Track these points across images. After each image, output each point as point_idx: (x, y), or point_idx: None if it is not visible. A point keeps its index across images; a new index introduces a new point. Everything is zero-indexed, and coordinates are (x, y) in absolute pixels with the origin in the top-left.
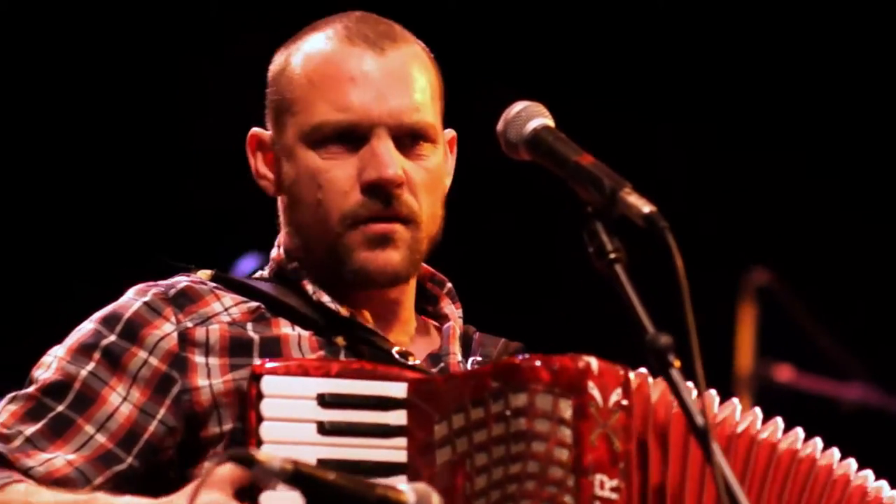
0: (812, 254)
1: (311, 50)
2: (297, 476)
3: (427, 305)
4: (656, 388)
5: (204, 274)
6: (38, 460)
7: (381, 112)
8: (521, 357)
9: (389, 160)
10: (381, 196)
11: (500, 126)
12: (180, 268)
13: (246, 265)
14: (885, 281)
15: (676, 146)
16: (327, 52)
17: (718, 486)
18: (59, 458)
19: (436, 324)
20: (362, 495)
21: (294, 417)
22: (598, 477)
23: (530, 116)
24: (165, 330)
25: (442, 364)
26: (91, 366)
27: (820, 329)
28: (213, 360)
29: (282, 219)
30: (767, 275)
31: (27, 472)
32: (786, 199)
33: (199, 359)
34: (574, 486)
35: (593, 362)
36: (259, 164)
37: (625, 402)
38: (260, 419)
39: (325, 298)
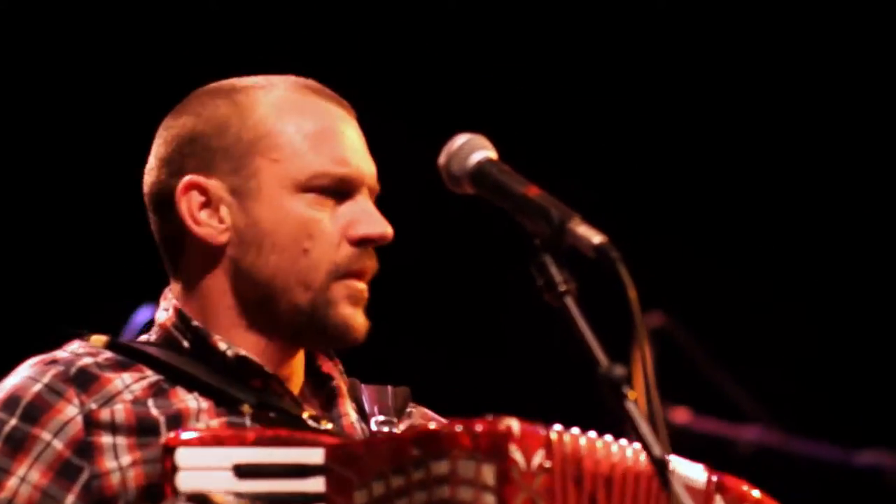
0: (706, 296)
1: (283, 98)
2: None
3: (310, 361)
4: (578, 443)
5: (98, 341)
6: None
7: (367, 172)
8: (442, 423)
9: (383, 219)
10: (368, 252)
11: (442, 159)
12: (73, 334)
13: (142, 316)
14: (781, 321)
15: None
16: (311, 105)
17: None
18: None
19: (320, 385)
20: None
21: (211, 490)
22: None
23: (473, 149)
24: (69, 414)
25: (336, 427)
26: None
27: (716, 371)
28: (121, 440)
29: (215, 268)
30: (662, 317)
31: None
32: (676, 239)
33: (106, 439)
34: None
35: (514, 424)
36: (196, 212)
37: (547, 464)
38: (176, 493)
39: (244, 353)
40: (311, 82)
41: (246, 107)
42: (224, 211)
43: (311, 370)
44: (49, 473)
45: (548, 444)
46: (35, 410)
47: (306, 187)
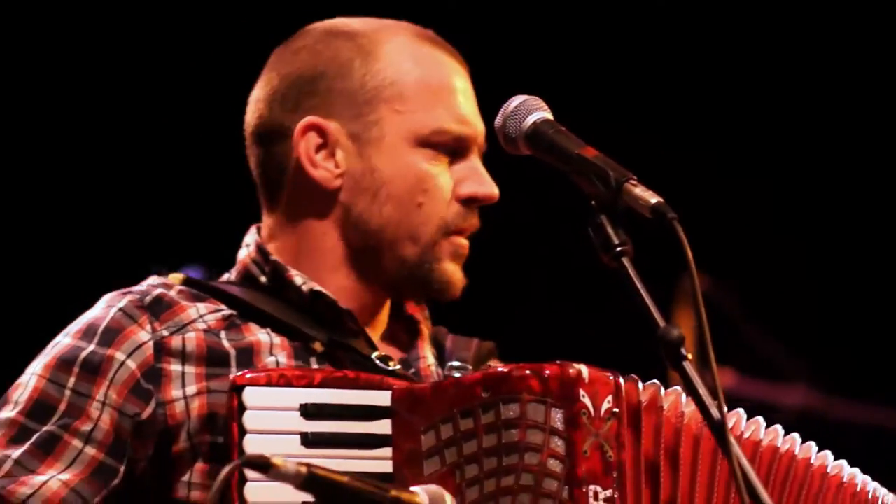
0: (749, 258)
1: (407, 47)
2: (311, 480)
3: (401, 307)
4: (646, 393)
5: (175, 278)
6: (32, 485)
7: (479, 132)
8: (511, 366)
9: (491, 179)
10: (473, 211)
11: (498, 121)
12: (153, 271)
13: None
14: (823, 283)
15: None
16: (433, 58)
17: (737, 479)
18: (54, 480)
19: (403, 327)
20: (376, 498)
21: (277, 429)
22: (593, 487)
23: (529, 110)
24: (142, 338)
25: (413, 369)
26: (71, 381)
27: (759, 333)
28: (190, 369)
29: (323, 210)
30: (707, 281)
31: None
32: (719, 203)
33: (175, 367)
34: (568, 497)
35: (584, 370)
36: (314, 154)
37: (616, 410)
38: (243, 431)
39: (319, 288)
40: (429, 32)
41: (370, 52)
42: (340, 155)
43: (398, 312)
44: (124, 392)
45: (617, 391)
46: (110, 333)
47: (427, 142)
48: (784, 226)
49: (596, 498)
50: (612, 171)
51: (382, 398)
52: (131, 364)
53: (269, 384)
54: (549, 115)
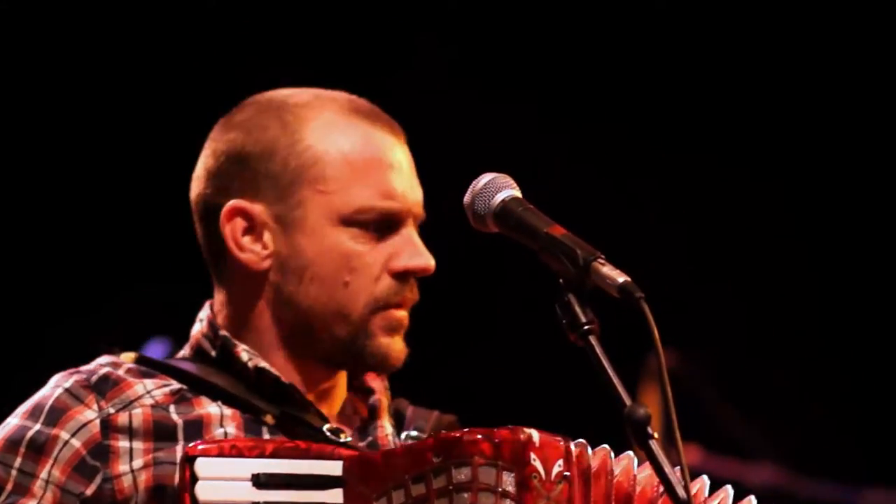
0: (717, 333)
1: (332, 123)
2: None
3: (353, 380)
4: (596, 458)
5: (127, 357)
6: None
7: (413, 202)
8: (461, 431)
9: (426, 250)
10: (409, 284)
11: (466, 199)
12: (104, 350)
13: (152, 351)
14: (791, 360)
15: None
16: (360, 133)
17: None
18: None
19: (363, 398)
20: None
21: (229, 500)
22: None
23: (498, 188)
24: (87, 417)
25: (370, 438)
26: (18, 461)
27: (726, 410)
28: (137, 444)
29: (254, 291)
30: (674, 355)
31: None
32: (688, 279)
33: (122, 443)
34: None
35: (535, 434)
36: (241, 237)
37: (567, 474)
38: (195, 502)
39: (264, 364)
40: (361, 102)
41: (294, 130)
42: (268, 237)
43: (360, 386)
44: (67, 469)
45: (567, 455)
46: (55, 413)
47: (351, 221)
48: (752, 304)
49: None
50: (580, 249)
51: (334, 468)
52: (76, 443)
53: (220, 455)
54: (517, 193)
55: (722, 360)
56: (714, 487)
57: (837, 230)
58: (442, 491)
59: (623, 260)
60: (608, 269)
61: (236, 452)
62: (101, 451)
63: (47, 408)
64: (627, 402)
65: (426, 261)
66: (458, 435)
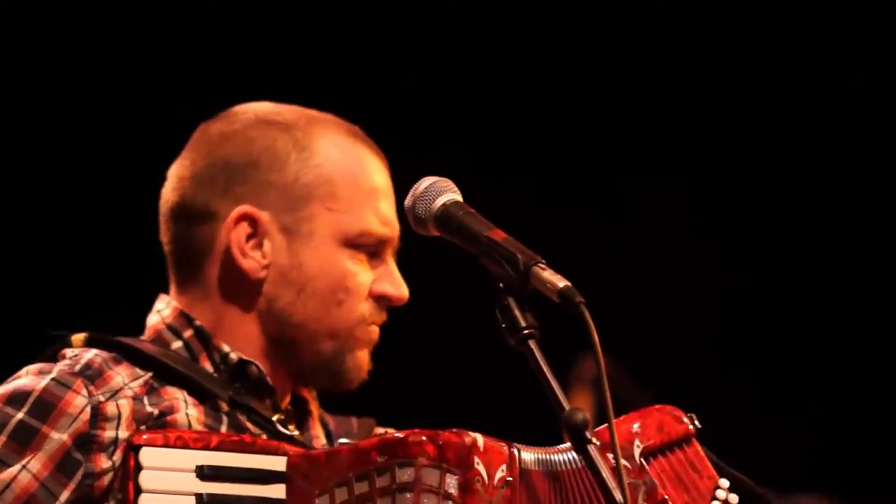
0: (651, 337)
1: (340, 145)
2: None
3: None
4: (537, 460)
5: (77, 338)
6: None
7: (397, 233)
8: (406, 432)
9: (403, 282)
10: (385, 309)
11: (408, 202)
12: (48, 334)
13: None
14: (733, 370)
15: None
16: (362, 157)
17: None
18: None
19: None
20: None
21: (173, 490)
22: None
23: (440, 192)
24: (78, 404)
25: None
26: None
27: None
28: (123, 434)
29: (242, 298)
30: (608, 361)
31: None
32: (628, 287)
33: (109, 433)
34: None
35: (479, 438)
36: (244, 242)
37: (510, 479)
38: (139, 490)
39: (246, 357)
40: (357, 129)
41: (306, 146)
42: (268, 246)
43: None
44: (49, 465)
45: (511, 461)
46: (44, 405)
47: (352, 242)
48: (691, 308)
49: None
50: (521, 254)
51: (278, 463)
52: (63, 436)
53: (165, 445)
54: (458, 197)
55: (662, 367)
56: None
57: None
58: (385, 490)
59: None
60: (549, 274)
61: (181, 443)
62: (85, 442)
63: (34, 397)
64: (566, 406)
65: (404, 291)
66: (402, 436)
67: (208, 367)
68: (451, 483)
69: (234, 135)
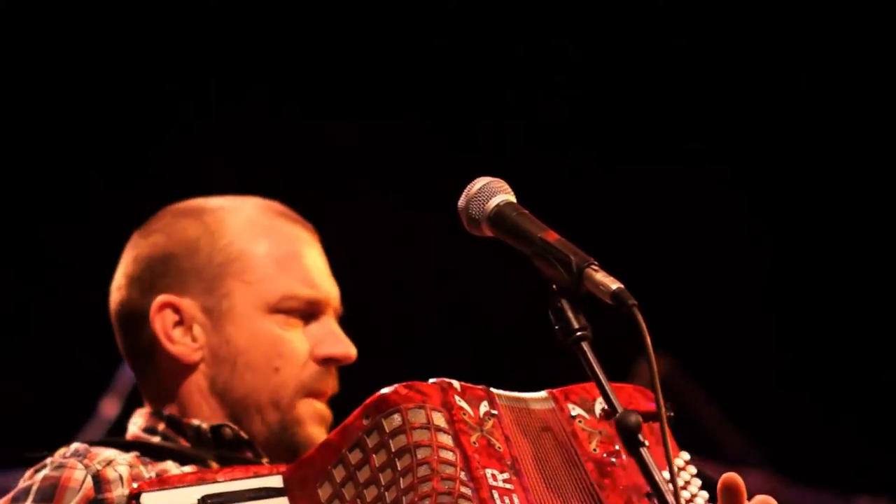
0: (709, 340)
1: (251, 220)
2: None
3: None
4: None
5: (58, 452)
6: None
7: (332, 295)
8: (383, 390)
9: (347, 339)
10: (330, 372)
11: (461, 202)
12: (37, 458)
13: None
14: (783, 367)
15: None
16: (277, 229)
17: None
18: None
19: None
20: None
21: None
22: (489, 471)
23: (493, 193)
24: (78, 476)
25: None
26: None
27: (718, 417)
28: (128, 491)
29: (190, 383)
30: (667, 362)
31: None
32: (683, 287)
33: (117, 493)
34: (468, 478)
35: (455, 383)
36: (171, 330)
37: (494, 412)
38: None
39: (206, 425)
40: (276, 204)
41: (215, 229)
42: (198, 330)
43: None
44: None
45: (490, 398)
46: (47, 490)
47: (277, 308)
48: (745, 310)
49: (495, 479)
50: (574, 255)
51: (275, 482)
52: None
53: (163, 486)
54: (511, 198)
55: (714, 368)
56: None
57: (841, 233)
58: (378, 445)
59: (622, 267)
60: (601, 276)
61: (180, 481)
62: None
63: (35, 488)
64: (619, 408)
65: (348, 349)
66: (381, 392)
67: (187, 444)
68: (439, 417)
69: (154, 233)
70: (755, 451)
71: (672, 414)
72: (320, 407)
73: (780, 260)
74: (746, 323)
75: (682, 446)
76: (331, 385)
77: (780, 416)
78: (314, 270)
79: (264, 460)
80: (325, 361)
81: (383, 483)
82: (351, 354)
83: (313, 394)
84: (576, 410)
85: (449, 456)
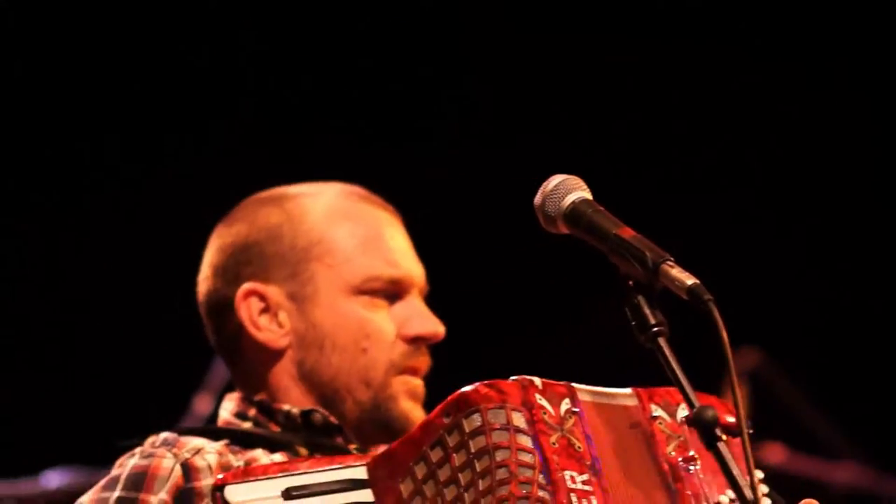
0: (802, 333)
1: (331, 205)
2: None
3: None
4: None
5: (149, 440)
6: None
7: (416, 274)
8: (464, 388)
9: (435, 317)
10: (421, 350)
11: (537, 200)
12: (129, 445)
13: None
14: (875, 360)
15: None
16: (358, 211)
17: None
18: None
19: None
20: None
21: None
22: (568, 473)
23: (568, 190)
24: (167, 465)
25: None
26: None
27: (811, 409)
28: None
29: (278, 368)
30: (757, 355)
31: None
32: (775, 278)
33: (205, 482)
34: (546, 482)
35: (537, 380)
36: (258, 317)
37: (576, 410)
38: None
39: (296, 409)
40: (357, 188)
41: (296, 214)
42: (283, 316)
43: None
44: None
45: (572, 395)
46: (136, 478)
47: (361, 290)
48: (837, 302)
49: (573, 482)
50: (649, 252)
51: (360, 473)
52: (164, 496)
53: (246, 478)
54: (587, 195)
55: (805, 359)
56: (798, 486)
57: None
58: (458, 445)
59: (705, 258)
60: (677, 272)
61: (263, 473)
62: (185, 496)
63: (124, 476)
64: (696, 403)
65: (435, 326)
66: (462, 391)
67: (277, 429)
68: (519, 417)
69: (236, 223)
70: (849, 444)
71: (752, 431)
72: (415, 382)
73: (872, 251)
74: (836, 313)
75: (776, 439)
76: (423, 362)
77: (873, 407)
78: (396, 250)
79: (352, 447)
80: (414, 341)
81: (463, 484)
82: (439, 332)
83: (406, 371)
84: (658, 412)
85: (528, 458)
